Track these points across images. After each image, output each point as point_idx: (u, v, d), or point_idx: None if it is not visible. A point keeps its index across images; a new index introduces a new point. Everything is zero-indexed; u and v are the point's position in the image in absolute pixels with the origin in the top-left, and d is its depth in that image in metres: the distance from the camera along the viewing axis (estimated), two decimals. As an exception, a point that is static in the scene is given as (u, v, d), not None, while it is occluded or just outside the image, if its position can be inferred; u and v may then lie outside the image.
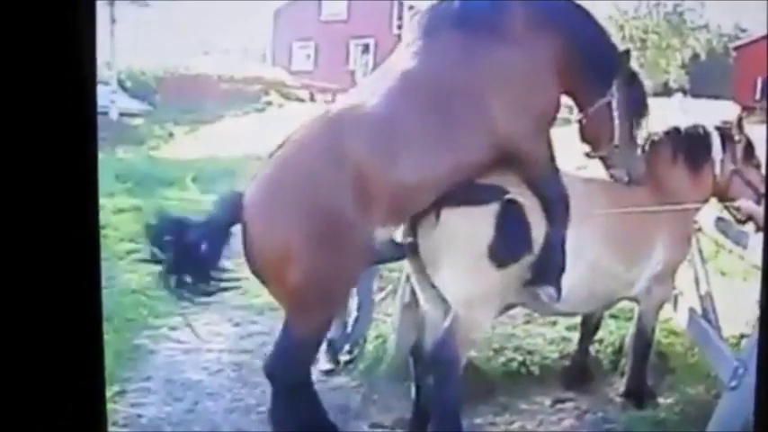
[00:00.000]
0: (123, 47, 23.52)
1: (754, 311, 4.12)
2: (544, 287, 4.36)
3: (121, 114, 22.20)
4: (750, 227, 4.87)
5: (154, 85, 25.18)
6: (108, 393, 4.89)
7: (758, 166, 4.97)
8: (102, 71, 22.39)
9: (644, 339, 5.04)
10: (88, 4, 2.73)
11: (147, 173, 13.72)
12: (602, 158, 4.69)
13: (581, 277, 4.45)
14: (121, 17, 22.72)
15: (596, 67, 4.40)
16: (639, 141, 4.74)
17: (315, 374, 4.56)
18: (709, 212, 5.21)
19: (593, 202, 4.53)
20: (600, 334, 5.66)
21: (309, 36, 28.11)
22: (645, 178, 4.71)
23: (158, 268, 4.09)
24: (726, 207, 5.03)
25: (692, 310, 5.06)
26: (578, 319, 5.49)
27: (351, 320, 5.84)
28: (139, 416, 4.92)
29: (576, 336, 5.58)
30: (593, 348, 5.61)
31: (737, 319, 4.98)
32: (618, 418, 4.98)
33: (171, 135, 20.93)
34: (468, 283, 4.21)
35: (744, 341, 4.88)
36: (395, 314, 5.41)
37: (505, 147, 4.18)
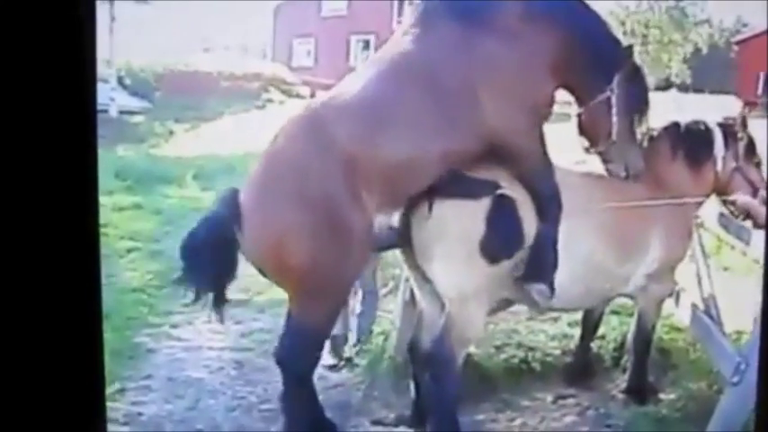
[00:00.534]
0: (123, 44, 23.55)
1: (756, 307, 4.11)
2: (536, 285, 4.34)
3: (121, 112, 22.19)
4: (750, 223, 4.86)
5: (153, 83, 25.17)
6: (108, 391, 4.89)
7: (759, 164, 4.96)
8: (101, 69, 22.36)
9: (644, 336, 5.04)
10: (88, 2, 2.72)
11: (148, 170, 13.67)
12: (599, 153, 4.68)
13: (575, 273, 4.44)
14: (121, 15, 22.74)
15: (598, 61, 4.38)
16: (639, 137, 4.72)
17: (318, 369, 4.55)
18: (712, 208, 5.19)
19: (588, 197, 4.53)
20: (601, 330, 5.65)
21: (310, 32, 28.12)
22: (643, 174, 4.70)
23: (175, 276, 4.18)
24: (723, 202, 5.01)
25: (694, 306, 5.05)
26: (580, 316, 5.49)
27: (355, 315, 5.83)
28: (140, 414, 4.91)
29: (578, 332, 5.57)
30: (594, 345, 5.60)
31: (740, 315, 4.96)
32: (620, 414, 4.98)
33: (171, 133, 20.91)
34: (461, 277, 4.20)
35: (746, 337, 4.87)
36: (396, 311, 5.43)
37: (495, 139, 4.17)
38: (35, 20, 2.59)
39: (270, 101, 24.56)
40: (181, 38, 30.43)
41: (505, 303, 4.69)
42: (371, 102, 4.04)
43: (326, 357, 5.51)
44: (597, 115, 4.52)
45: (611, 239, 4.55)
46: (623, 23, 25.17)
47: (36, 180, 2.65)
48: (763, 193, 4.86)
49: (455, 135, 4.09)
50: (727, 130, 4.98)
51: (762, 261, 3.86)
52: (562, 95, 4.53)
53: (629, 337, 5.20)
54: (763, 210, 4.75)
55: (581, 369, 5.41)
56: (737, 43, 26.65)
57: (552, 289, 4.34)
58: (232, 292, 4.25)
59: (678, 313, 5.46)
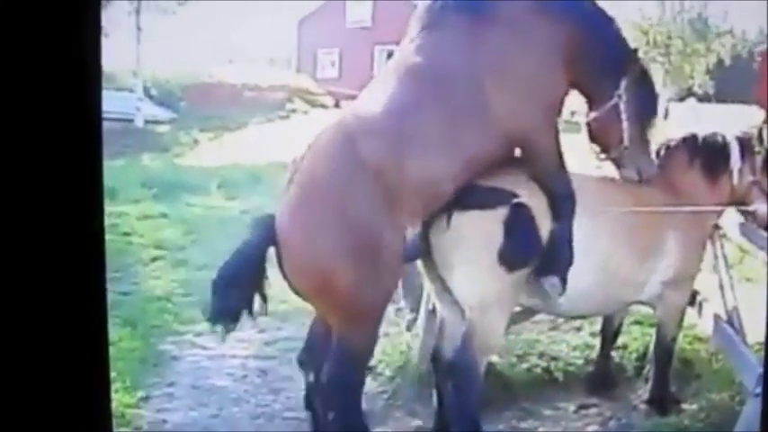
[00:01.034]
0: (149, 55, 23.81)
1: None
2: (548, 277, 4.35)
3: (147, 122, 22.47)
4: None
5: (179, 93, 25.42)
6: (133, 399, 4.98)
7: None
8: (128, 79, 22.67)
9: (665, 346, 5.04)
10: (93, 7, 2.75)
11: (173, 180, 13.80)
12: (612, 160, 4.71)
13: (591, 278, 4.46)
14: (147, 26, 23.02)
15: (605, 61, 4.42)
16: (650, 140, 4.74)
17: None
18: (734, 218, 5.18)
19: (604, 200, 4.56)
20: (624, 340, 5.66)
21: (334, 43, 28.21)
22: (656, 178, 4.73)
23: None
24: (742, 213, 5.01)
25: (716, 317, 5.03)
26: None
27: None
28: (164, 421, 4.96)
29: (599, 342, 5.56)
30: (617, 354, 5.60)
31: (762, 326, 4.93)
32: (642, 424, 4.98)
33: (196, 142, 21.06)
34: (481, 286, 4.24)
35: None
36: (419, 320, 5.45)
37: (514, 138, 4.21)
38: (39, 24, 2.60)
39: (294, 111, 24.63)
40: (206, 49, 30.66)
41: (528, 314, 4.70)
42: (396, 116, 4.06)
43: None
44: (607, 122, 4.55)
45: (627, 243, 4.58)
46: (646, 34, 24.98)
47: (41, 185, 2.66)
48: None
49: (476, 141, 4.11)
50: (745, 143, 5.00)
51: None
52: (570, 103, 4.56)
53: (651, 347, 5.19)
54: None
55: (603, 379, 5.41)
56: (761, 54, 26.40)
57: (564, 282, 4.35)
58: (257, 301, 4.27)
59: (701, 323, 5.44)
